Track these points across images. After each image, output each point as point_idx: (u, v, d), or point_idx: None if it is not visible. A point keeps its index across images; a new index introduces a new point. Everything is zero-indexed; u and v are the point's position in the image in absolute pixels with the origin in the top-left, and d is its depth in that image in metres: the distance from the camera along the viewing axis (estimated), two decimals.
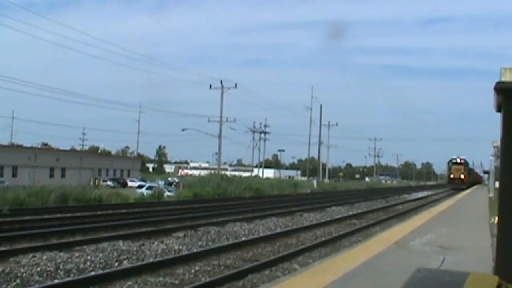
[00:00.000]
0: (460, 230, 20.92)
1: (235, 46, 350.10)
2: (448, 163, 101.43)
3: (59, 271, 15.00)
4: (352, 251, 14.84)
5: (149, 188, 64.06)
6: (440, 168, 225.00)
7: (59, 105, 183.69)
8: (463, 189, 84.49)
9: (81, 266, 15.79)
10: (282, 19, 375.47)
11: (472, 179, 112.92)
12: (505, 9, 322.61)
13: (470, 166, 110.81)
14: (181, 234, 23.86)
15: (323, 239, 23.19)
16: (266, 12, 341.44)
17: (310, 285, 9.63)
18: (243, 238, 23.27)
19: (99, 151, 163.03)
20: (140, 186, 73.42)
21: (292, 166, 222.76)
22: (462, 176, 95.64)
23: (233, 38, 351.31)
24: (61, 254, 17.42)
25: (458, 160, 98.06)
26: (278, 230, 26.39)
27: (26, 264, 15.60)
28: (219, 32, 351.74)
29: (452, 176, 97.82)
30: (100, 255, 17.60)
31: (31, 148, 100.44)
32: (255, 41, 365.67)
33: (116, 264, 16.56)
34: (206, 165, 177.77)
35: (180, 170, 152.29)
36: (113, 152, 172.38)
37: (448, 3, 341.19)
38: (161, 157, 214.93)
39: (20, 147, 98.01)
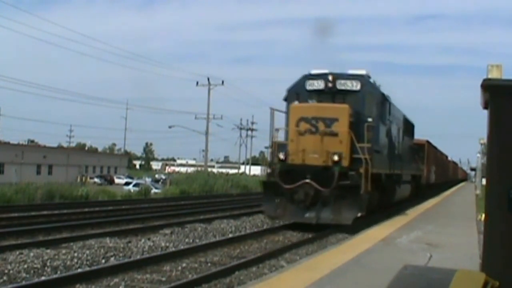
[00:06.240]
0: (447, 227, 20.99)
1: (223, 43, 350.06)
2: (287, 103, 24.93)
3: (46, 268, 14.92)
4: (339, 248, 14.88)
5: (136, 185, 63.96)
6: None
7: (46, 102, 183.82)
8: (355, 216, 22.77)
9: (68, 263, 15.71)
10: (270, 16, 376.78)
11: (438, 174, 56.10)
12: (493, 7, 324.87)
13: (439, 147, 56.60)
14: (168, 231, 23.79)
15: (310, 236, 23.20)
16: (254, 9, 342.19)
17: (297, 282, 9.63)
18: (230, 235, 23.21)
19: (86, 148, 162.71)
20: (127, 183, 73.39)
21: None
22: (335, 157, 21.53)
23: (221, 35, 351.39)
24: (48, 251, 17.33)
25: (322, 84, 23.52)
26: (265, 227, 26.37)
27: (13, 261, 15.50)
28: (207, 29, 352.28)
29: (281, 156, 22.71)
30: (87, 252, 17.53)
31: (18, 145, 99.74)
32: (243, 38, 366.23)
33: (103, 261, 16.49)
34: (193, 162, 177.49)
35: (167, 167, 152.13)
36: (100, 149, 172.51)
37: (436, 0, 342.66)
38: (148, 154, 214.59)
39: (7, 144, 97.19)
